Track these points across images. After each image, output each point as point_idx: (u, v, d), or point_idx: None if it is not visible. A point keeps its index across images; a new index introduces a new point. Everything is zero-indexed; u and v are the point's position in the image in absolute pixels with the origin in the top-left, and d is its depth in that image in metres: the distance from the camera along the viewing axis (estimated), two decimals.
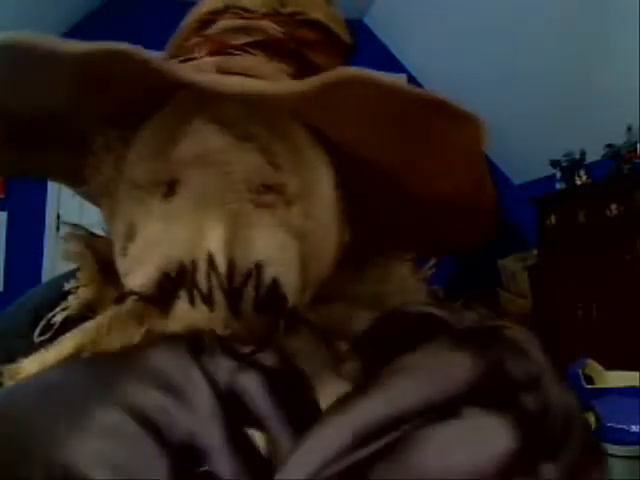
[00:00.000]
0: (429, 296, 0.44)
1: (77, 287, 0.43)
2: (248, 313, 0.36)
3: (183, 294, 0.36)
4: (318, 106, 0.35)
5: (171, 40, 0.49)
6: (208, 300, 0.35)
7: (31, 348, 0.41)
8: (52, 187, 3.17)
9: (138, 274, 0.37)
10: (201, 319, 0.36)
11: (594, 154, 2.72)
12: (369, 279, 0.44)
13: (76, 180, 0.46)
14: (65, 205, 3.14)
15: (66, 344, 0.39)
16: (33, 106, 0.38)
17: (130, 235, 0.39)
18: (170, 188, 0.38)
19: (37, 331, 0.41)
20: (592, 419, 1.55)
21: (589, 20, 2.39)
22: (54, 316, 0.42)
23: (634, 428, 1.45)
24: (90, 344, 0.39)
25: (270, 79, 0.41)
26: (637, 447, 1.41)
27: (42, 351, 0.39)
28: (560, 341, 2.62)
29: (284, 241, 0.37)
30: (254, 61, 0.42)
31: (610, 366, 1.78)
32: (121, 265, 0.39)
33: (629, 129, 2.55)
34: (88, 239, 0.45)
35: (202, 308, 0.36)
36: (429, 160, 0.40)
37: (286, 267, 0.37)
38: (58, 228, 3.16)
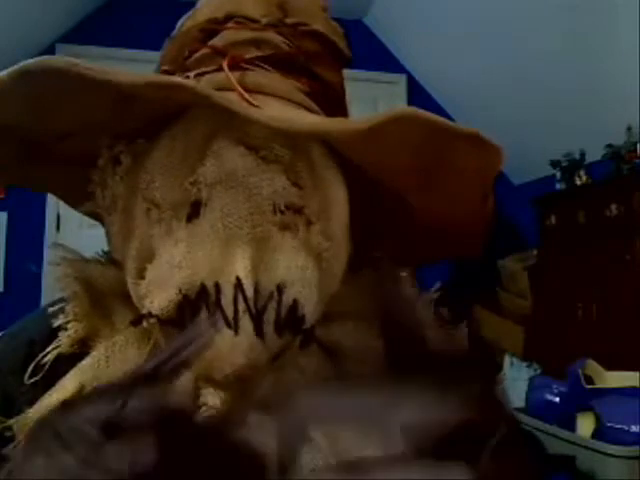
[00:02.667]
0: (435, 318, 0.44)
1: (68, 322, 0.41)
2: (269, 334, 0.36)
3: (204, 317, 0.36)
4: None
5: (167, 45, 0.48)
6: (234, 325, 0.35)
7: (23, 385, 0.41)
8: None
9: (159, 296, 0.37)
10: (223, 344, 0.35)
11: (594, 154, 2.71)
12: (376, 300, 0.43)
13: (77, 196, 0.45)
14: (65, 205, 3.13)
15: (67, 386, 0.39)
16: (49, 126, 0.38)
17: (148, 256, 0.38)
18: (194, 209, 0.38)
19: (28, 372, 0.40)
20: (592, 419, 1.55)
21: (589, 20, 2.39)
22: (46, 355, 0.41)
23: (634, 428, 1.44)
24: (90, 381, 0.39)
25: (287, 97, 0.42)
26: (637, 447, 1.41)
27: (46, 396, 0.39)
28: (560, 341, 2.62)
29: (305, 262, 0.37)
30: (270, 78, 0.42)
31: (610, 366, 1.78)
32: (136, 288, 0.39)
33: (629, 129, 2.54)
34: (81, 267, 0.44)
35: (226, 332, 0.35)
36: (446, 182, 0.41)
37: (306, 288, 0.37)
38: (58, 228, 3.16)
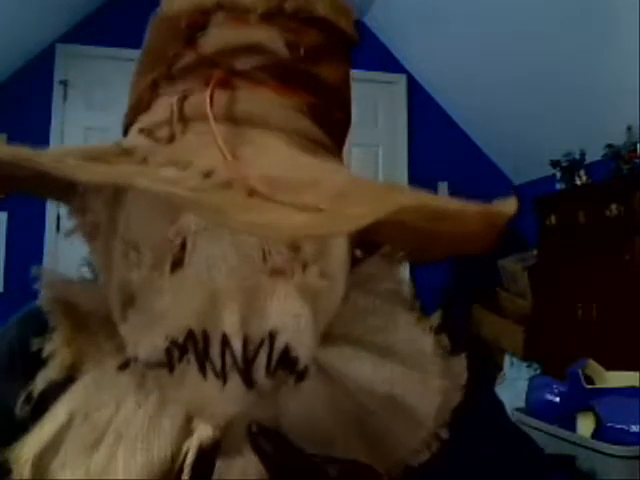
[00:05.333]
0: (435, 345, 0.43)
1: (55, 349, 0.40)
2: (260, 380, 0.35)
3: (193, 361, 0.34)
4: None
5: (153, 27, 0.44)
6: (222, 375, 0.34)
7: (6, 389, 0.41)
8: None
9: (144, 343, 0.35)
10: (212, 392, 0.35)
11: (594, 154, 2.71)
12: (375, 328, 0.42)
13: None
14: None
15: (58, 414, 0.38)
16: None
17: (128, 301, 0.37)
18: (177, 258, 0.35)
19: (19, 404, 0.39)
20: (592, 419, 1.55)
21: (589, 20, 2.39)
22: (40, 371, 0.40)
23: (634, 428, 1.45)
24: (81, 408, 0.38)
25: (282, 126, 0.39)
26: (637, 447, 1.41)
27: (38, 426, 0.38)
28: (560, 341, 2.62)
29: (299, 309, 0.35)
30: (264, 100, 0.39)
31: (610, 366, 1.78)
32: (121, 327, 0.37)
33: (629, 129, 2.54)
34: (64, 290, 0.41)
35: (215, 382, 0.34)
36: (454, 229, 0.39)
37: (300, 332, 0.35)
38: (58, 228, 3.16)
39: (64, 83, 3.24)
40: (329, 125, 0.43)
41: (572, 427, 1.60)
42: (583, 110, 2.71)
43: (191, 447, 0.35)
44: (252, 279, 0.35)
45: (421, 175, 3.59)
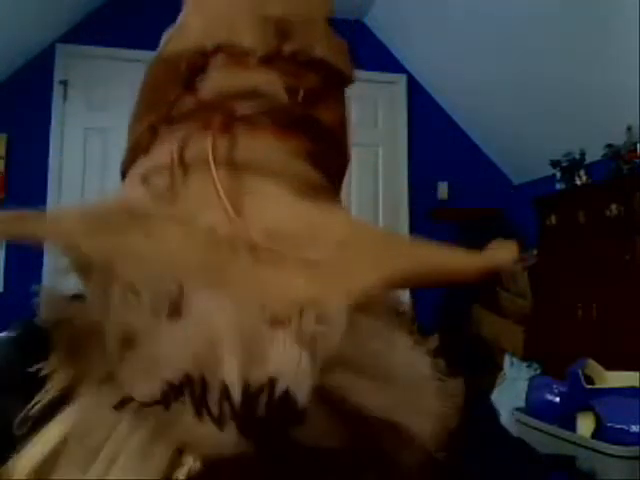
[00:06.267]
0: (433, 369, 0.43)
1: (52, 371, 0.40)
2: (257, 426, 0.35)
3: (189, 404, 0.34)
4: None
5: (153, 67, 0.44)
6: (219, 422, 0.34)
7: (4, 402, 0.40)
8: (52, 188, 3.17)
9: (140, 385, 0.35)
10: (208, 435, 0.34)
11: (594, 154, 2.72)
12: (375, 352, 0.42)
13: None
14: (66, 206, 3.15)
15: (51, 436, 0.38)
16: None
17: (127, 343, 0.36)
18: (176, 307, 0.36)
19: (16, 424, 0.39)
20: (592, 419, 1.55)
21: (589, 20, 2.40)
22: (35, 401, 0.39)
23: (634, 428, 1.45)
24: (76, 428, 0.38)
25: (280, 172, 0.39)
26: (637, 447, 1.41)
27: (29, 446, 0.38)
28: (560, 341, 2.62)
29: (297, 354, 0.36)
30: (263, 145, 0.40)
31: (610, 366, 1.78)
32: (117, 368, 0.37)
33: (629, 129, 2.55)
34: (62, 311, 0.40)
35: (211, 427, 0.34)
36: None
37: (299, 377, 0.35)
38: None
39: (64, 83, 3.24)
40: (327, 167, 0.44)
41: (572, 427, 1.60)
42: (583, 110, 2.71)
43: (180, 478, 0.35)
44: (251, 328, 0.35)
45: (421, 175, 3.60)
